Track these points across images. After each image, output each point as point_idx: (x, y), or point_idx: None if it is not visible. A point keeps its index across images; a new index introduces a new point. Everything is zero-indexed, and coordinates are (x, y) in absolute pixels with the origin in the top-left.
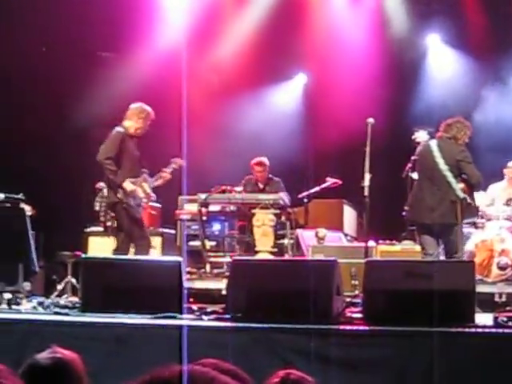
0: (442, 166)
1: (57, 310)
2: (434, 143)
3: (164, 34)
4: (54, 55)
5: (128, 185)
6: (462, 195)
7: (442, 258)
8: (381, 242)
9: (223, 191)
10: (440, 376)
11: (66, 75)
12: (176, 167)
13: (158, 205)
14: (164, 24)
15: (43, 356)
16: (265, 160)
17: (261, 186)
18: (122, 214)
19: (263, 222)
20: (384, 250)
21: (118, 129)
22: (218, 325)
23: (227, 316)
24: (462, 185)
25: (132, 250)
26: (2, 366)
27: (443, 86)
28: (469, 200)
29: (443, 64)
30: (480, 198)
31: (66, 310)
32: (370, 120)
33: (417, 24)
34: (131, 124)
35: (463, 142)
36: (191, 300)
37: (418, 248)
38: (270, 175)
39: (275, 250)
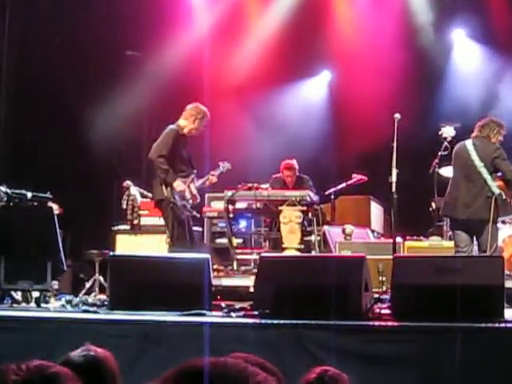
0: (478, 162)
1: (85, 307)
2: (469, 142)
3: (190, 33)
4: (81, 53)
5: (179, 184)
6: (497, 191)
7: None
8: (408, 238)
9: (249, 188)
10: (470, 371)
11: (95, 74)
12: (223, 171)
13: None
14: (190, 23)
15: (76, 353)
16: (294, 163)
17: (290, 186)
18: (168, 212)
19: (290, 219)
20: (411, 245)
21: (172, 127)
22: (246, 321)
23: (255, 313)
24: (499, 182)
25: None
26: (67, 369)
27: (469, 82)
28: (504, 196)
29: (469, 59)
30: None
31: (95, 308)
32: (397, 115)
33: (442, 19)
34: (186, 124)
35: (497, 140)
36: (219, 297)
37: (445, 244)
38: (299, 174)
39: (302, 246)
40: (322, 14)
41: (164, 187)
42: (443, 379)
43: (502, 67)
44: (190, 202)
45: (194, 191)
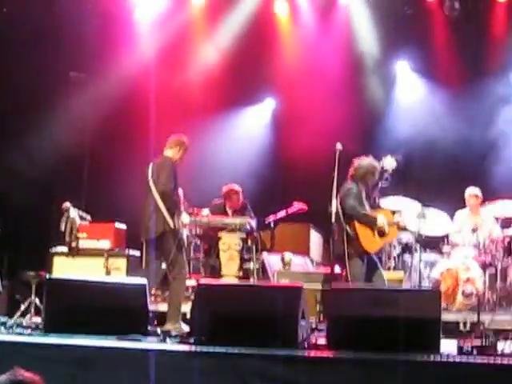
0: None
1: (19, 330)
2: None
3: (135, 56)
4: (24, 73)
5: (186, 217)
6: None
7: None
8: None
9: (190, 214)
10: None
11: (37, 95)
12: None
13: (124, 225)
14: (135, 46)
15: (3, 378)
16: (240, 189)
17: (229, 212)
18: (171, 242)
19: (229, 246)
20: None
21: (168, 159)
22: (182, 348)
23: (191, 340)
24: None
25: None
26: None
27: (411, 114)
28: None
29: (411, 91)
30: (448, 225)
31: (29, 331)
32: (338, 145)
33: (387, 50)
34: (174, 154)
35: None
36: (155, 323)
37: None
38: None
39: (241, 274)
40: (268, 41)
41: (171, 219)
42: None
43: (444, 100)
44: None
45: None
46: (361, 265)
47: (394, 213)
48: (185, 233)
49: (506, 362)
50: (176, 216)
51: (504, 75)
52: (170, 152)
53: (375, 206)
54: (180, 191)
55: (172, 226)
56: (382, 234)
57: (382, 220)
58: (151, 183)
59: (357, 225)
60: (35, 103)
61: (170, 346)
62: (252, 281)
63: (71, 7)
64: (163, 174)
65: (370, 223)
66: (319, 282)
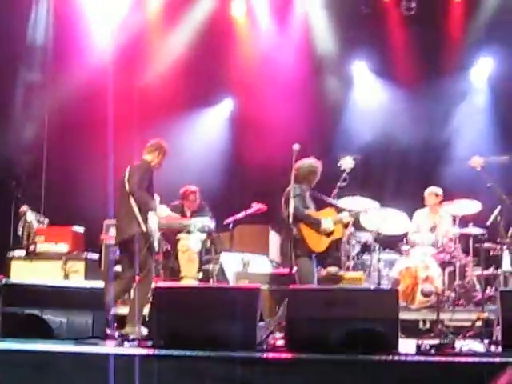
0: None
1: None
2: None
3: (93, 57)
4: None
5: (155, 221)
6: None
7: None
8: None
9: None
10: None
11: None
12: None
13: (82, 229)
14: (90, 49)
15: None
16: (196, 189)
17: (188, 213)
18: (142, 245)
19: (188, 248)
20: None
21: (145, 161)
22: (140, 352)
23: (149, 343)
24: None
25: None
26: None
27: (368, 114)
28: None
29: (368, 91)
30: (406, 224)
31: None
32: (295, 146)
33: (344, 50)
34: (152, 158)
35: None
36: (115, 326)
37: (343, 274)
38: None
39: (200, 275)
40: (225, 42)
41: (142, 222)
42: None
43: (402, 100)
44: (158, 235)
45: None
46: (309, 264)
47: (339, 210)
48: (156, 237)
49: (463, 360)
50: (147, 219)
51: (461, 74)
52: (149, 156)
53: (325, 206)
54: (156, 197)
55: (144, 228)
56: (328, 233)
57: (325, 224)
58: (126, 185)
59: (302, 226)
60: None
61: (128, 349)
62: (211, 282)
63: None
64: (136, 175)
65: (314, 223)
66: (278, 283)
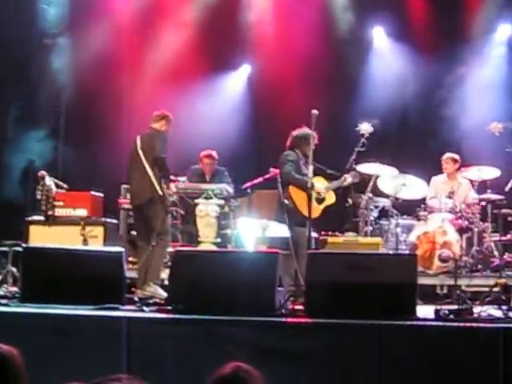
0: None
1: None
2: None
3: (109, 21)
4: None
5: (173, 186)
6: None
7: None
8: (323, 233)
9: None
10: (382, 369)
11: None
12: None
13: (101, 194)
14: (109, 11)
15: None
16: (214, 153)
17: (207, 177)
18: (158, 209)
19: (206, 213)
20: (330, 241)
21: (160, 130)
22: (159, 316)
23: (169, 307)
24: None
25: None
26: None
27: (387, 79)
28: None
29: (387, 57)
30: (424, 190)
31: (6, 301)
32: (315, 111)
33: (362, 16)
34: (159, 126)
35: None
36: (133, 289)
37: (361, 240)
38: (217, 166)
39: (219, 240)
40: (243, 8)
41: (159, 186)
42: (355, 376)
43: (420, 65)
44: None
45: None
46: (304, 232)
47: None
48: (172, 201)
49: (482, 325)
50: (164, 184)
51: (480, 40)
52: (157, 125)
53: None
54: None
55: (160, 192)
56: (319, 200)
57: (318, 186)
58: (140, 153)
59: (293, 193)
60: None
61: (148, 313)
62: (229, 247)
63: None
64: (158, 142)
65: (305, 187)
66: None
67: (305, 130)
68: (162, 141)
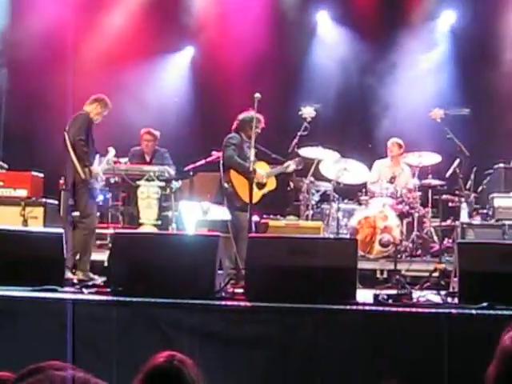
0: None
1: None
2: None
3: (52, 2)
4: None
5: (95, 168)
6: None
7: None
8: (265, 216)
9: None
10: (321, 353)
11: None
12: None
13: (41, 174)
14: None
15: None
16: (155, 131)
17: (147, 158)
18: (82, 193)
19: (148, 195)
20: (271, 225)
21: (84, 113)
22: (99, 298)
23: (108, 290)
24: None
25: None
26: None
27: (331, 63)
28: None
29: (331, 41)
30: (366, 175)
31: None
32: (257, 95)
33: (306, 0)
34: (91, 110)
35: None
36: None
37: (302, 223)
38: (158, 147)
39: (159, 222)
40: None
41: (82, 169)
42: (295, 360)
43: (363, 50)
44: (102, 184)
45: (101, 174)
46: (245, 216)
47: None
48: (97, 183)
49: (420, 310)
50: (88, 167)
51: (424, 26)
52: (88, 108)
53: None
54: (111, 149)
55: (83, 176)
56: (260, 185)
57: (260, 173)
58: (66, 135)
59: (234, 177)
60: None
61: (87, 295)
62: (170, 230)
63: None
64: (75, 125)
65: (246, 173)
66: None
67: (250, 114)
68: (81, 122)
